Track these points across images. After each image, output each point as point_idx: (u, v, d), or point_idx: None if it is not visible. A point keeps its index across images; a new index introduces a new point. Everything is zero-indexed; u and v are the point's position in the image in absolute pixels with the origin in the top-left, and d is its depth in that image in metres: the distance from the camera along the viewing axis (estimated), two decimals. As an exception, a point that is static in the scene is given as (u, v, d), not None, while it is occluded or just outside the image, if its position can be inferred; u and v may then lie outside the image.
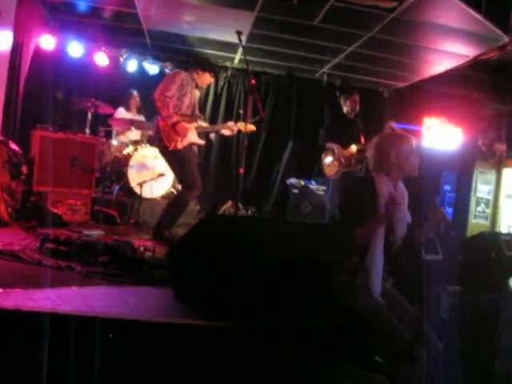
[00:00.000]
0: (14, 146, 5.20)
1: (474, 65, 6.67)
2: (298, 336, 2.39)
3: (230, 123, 5.17)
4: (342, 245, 2.63)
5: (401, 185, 2.75)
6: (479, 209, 6.42)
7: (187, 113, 4.71)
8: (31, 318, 2.13)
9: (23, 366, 2.01)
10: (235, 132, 5.03)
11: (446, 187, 6.49)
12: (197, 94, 4.90)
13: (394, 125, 5.79)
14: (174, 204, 4.75)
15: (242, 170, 3.90)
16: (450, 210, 6.41)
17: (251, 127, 4.99)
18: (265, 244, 2.56)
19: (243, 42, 6.73)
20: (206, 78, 4.86)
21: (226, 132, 5.12)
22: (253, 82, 4.07)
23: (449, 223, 2.58)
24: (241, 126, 4.85)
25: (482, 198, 6.45)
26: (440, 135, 7.64)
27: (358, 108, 5.91)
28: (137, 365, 2.12)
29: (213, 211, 7.09)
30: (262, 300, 2.45)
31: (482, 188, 6.48)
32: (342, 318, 2.49)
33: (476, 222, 6.35)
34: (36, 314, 2.15)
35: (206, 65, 4.89)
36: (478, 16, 4.91)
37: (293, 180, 7.50)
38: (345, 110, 5.99)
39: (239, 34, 4.06)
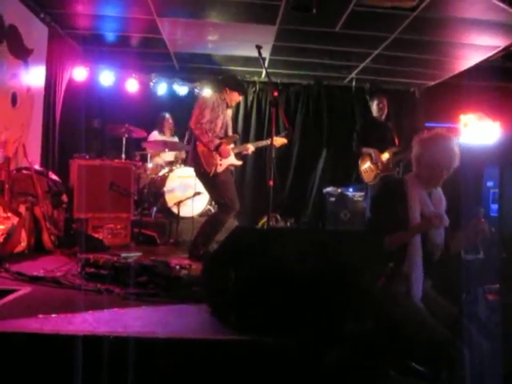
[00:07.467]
0: (53, 177, 5.38)
1: (507, 55, 6.49)
2: (335, 342, 2.35)
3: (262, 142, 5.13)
4: (375, 250, 2.58)
5: (438, 191, 2.65)
6: (527, 203, 6.15)
7: (220, 134, 4.71)
8: (69, 341, 2.19)
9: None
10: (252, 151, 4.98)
11: (489, 183, 6.24)
12: (229, 113, 4.89)
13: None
14: (210, 223, 4.75)
15: (271, 183, 3.89)
16: (494, 207, 6.19)
17: (282, 140, 4.99)
18: (295, 254, 2.55)
19: (268, 56, 6.88)
20: (235, 97, 4.83)
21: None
22: (275, 93, 4.06)
23: (487, 236, 2.46)
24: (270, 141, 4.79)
25: (528, 192, 6.18)
26: (478, 131, 7.42)
27: (386, 111, 5.85)
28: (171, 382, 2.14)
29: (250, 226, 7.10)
30: (296, 310, 2.43)
31: (528, 181, 6.20)
32: (379, 323, 2.44)
33: (524, 218, 6.09)
34: (73, 337, 2.21)
35: (233, 84, 4.85)
36: (502, 5, 4.77)
37: (329, 188, 7.43)
38: (374, 113, 5.94)
39: (259, 47, 4.06)
